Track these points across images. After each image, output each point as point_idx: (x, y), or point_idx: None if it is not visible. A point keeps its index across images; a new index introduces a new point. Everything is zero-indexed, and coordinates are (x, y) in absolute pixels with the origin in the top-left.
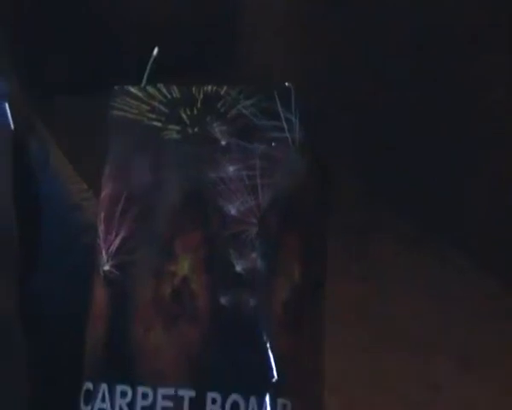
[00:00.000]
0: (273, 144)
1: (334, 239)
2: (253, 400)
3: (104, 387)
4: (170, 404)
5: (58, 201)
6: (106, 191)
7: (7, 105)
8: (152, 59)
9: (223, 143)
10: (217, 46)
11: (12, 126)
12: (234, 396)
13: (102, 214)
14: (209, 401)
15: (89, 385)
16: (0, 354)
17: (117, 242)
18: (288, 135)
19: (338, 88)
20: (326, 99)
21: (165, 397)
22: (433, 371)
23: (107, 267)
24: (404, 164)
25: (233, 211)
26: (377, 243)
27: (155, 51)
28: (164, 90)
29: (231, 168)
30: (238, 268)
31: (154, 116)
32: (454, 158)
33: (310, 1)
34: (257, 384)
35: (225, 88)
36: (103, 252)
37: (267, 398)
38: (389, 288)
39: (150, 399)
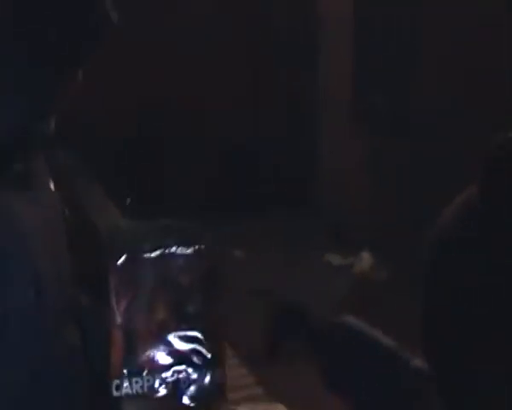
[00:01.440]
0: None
1: None
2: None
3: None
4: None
5: None
6: (117, 292)
7: None
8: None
9: (181, 261)
10: None
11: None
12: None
13: (114, 300)
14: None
15: (117, 382)
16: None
17: (123, 308)
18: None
19: None
20: None
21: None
22: None
23: (120, 320)
24: None
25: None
26: None
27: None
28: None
29: (185, 277)
30: (189, 310)
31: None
32: None
33: None
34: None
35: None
36: (117, 314)
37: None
38: None
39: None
